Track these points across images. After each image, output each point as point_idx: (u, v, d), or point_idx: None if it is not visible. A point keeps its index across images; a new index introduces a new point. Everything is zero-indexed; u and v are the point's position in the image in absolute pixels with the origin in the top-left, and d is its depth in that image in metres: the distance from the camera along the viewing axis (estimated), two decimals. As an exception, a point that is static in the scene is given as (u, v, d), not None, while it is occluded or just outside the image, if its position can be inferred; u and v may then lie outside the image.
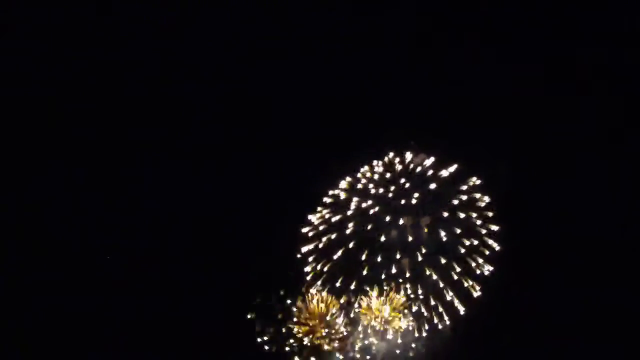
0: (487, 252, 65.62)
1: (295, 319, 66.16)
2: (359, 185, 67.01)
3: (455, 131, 70.40)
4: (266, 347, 66.22)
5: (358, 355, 65.05)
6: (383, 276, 64.92)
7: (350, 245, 65.75)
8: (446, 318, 65.38)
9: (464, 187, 66.07)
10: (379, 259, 65.00)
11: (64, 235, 71.15)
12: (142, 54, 75.39)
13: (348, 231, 65.87)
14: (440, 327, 65.48)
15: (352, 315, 65.75)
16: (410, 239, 64.71)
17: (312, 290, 66.28)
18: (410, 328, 65.06)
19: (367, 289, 65.07)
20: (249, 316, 67.06)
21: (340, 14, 76.29)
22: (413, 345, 65.02)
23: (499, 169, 67.15)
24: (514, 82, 72.34)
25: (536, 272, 67.25)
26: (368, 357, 64.79)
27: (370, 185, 66.50)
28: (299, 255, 67.56)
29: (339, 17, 76.19)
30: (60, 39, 74.38)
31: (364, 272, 65.16)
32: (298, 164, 71.43)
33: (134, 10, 75.04)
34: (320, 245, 66.98)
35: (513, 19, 74.61)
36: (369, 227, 65.43)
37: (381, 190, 65.86)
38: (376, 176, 66.84)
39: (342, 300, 65.92)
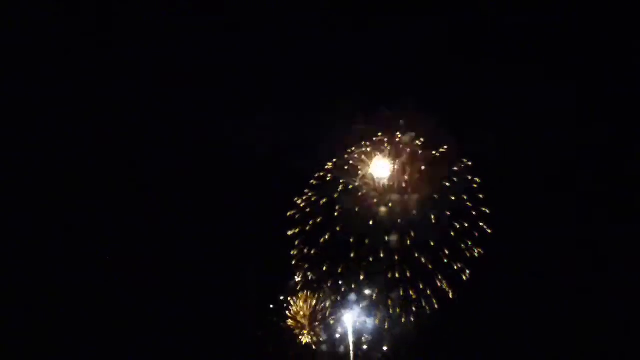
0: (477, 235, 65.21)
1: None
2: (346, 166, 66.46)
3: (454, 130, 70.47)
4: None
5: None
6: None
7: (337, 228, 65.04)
8: (434, 301, 64.73)
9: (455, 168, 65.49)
10: (366, 241, 64.13)
11: (64, 235, 71.19)
12: (142, 54, 75.52)
13: (335, 213, 65.08)
14: (428, 310, 64.85)
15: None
16: (399, 220, 63.84)
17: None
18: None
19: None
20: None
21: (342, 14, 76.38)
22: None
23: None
24: (514, 82, 72.41)
25: (531, 270, 67.40)
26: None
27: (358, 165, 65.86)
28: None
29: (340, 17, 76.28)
30: (60, 39, 74.47)
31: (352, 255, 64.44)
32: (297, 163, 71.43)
33: (134, 10, 75.14)
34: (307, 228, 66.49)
35: (513, 19, 74.72)
36: (357, 209, 64.64)
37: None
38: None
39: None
